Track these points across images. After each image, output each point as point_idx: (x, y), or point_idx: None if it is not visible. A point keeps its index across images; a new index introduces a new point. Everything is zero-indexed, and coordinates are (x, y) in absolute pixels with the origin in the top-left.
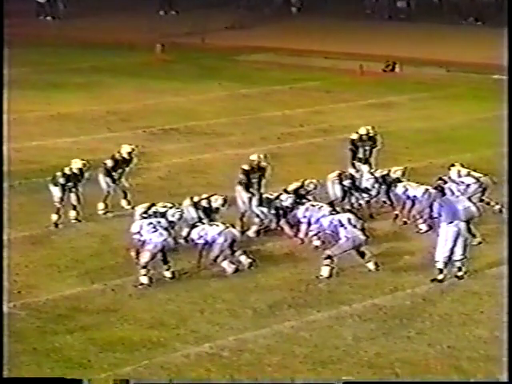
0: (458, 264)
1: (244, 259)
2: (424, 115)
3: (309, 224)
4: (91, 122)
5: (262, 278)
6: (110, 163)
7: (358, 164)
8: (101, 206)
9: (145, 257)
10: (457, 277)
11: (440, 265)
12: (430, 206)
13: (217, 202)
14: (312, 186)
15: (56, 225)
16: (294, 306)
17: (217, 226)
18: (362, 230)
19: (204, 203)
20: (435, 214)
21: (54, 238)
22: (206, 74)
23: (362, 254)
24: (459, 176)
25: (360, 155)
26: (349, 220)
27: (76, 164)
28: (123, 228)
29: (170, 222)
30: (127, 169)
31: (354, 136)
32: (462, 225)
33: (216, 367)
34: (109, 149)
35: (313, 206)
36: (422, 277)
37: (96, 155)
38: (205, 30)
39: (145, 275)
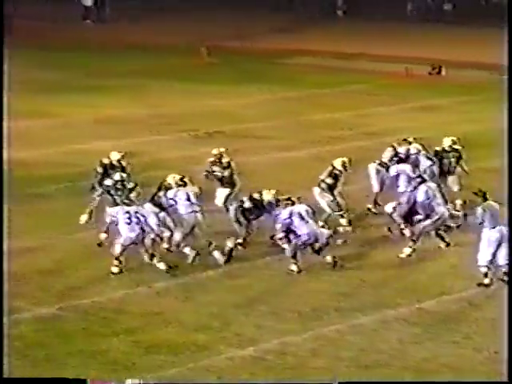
0: (503, 268)
1: (189, 251)
2: (470, 118)
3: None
4: (134, 125)
5: (307, 281)
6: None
7: None
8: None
9: (116, 249)
10: (503, 281)
11: (483, 269)
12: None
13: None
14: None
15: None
16: (339, 310)
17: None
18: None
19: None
20: (478, 220)
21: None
22: (251, 77)
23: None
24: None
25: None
26: (307, 211)
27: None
28: None
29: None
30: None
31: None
32: (505, 229)
33: (260, 370)
34: (151, 151)
35: None
36: (469, 281)
37: (141, 158)
38: (251, 33)
39: (116, 266)
